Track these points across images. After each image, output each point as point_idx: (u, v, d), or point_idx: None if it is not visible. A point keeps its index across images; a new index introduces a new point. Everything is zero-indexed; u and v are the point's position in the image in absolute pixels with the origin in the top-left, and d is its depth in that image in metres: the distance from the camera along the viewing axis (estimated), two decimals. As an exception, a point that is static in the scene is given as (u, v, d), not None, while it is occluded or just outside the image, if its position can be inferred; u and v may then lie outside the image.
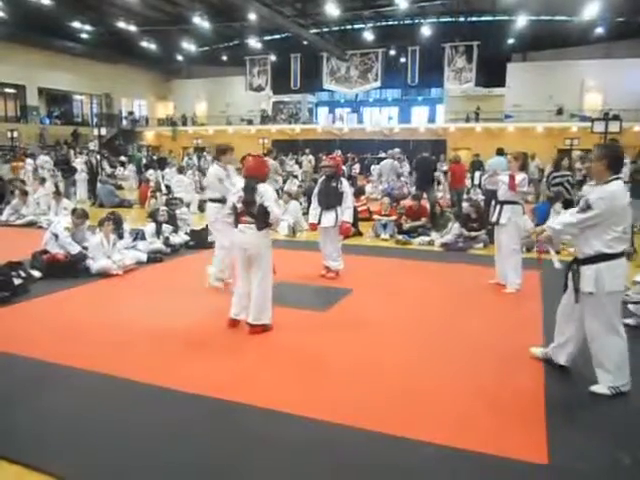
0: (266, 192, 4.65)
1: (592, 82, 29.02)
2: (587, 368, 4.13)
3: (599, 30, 26.57)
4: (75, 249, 7.00)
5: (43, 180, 14.17)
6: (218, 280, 6.30)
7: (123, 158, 25.10)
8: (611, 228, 3.53)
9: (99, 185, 15.77)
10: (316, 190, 7.09)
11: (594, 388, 3.71)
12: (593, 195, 3.59)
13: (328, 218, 6.82)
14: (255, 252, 4.70)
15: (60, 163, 17.40)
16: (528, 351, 4.26)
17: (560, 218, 3.82)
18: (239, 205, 4.73)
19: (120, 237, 7.57)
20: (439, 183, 16.24)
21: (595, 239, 3.58)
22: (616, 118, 15.42)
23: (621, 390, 3.68)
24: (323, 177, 7.10)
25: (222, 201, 6.05)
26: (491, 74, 29.79)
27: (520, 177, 6.18)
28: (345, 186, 6.92)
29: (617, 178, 3.60)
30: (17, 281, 5.91)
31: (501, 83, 30.36)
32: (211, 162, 22.66)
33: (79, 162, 17.05)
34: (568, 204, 9.91)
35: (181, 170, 16.02)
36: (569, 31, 26.54)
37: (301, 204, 11.77)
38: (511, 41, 29.65)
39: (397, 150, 16.88)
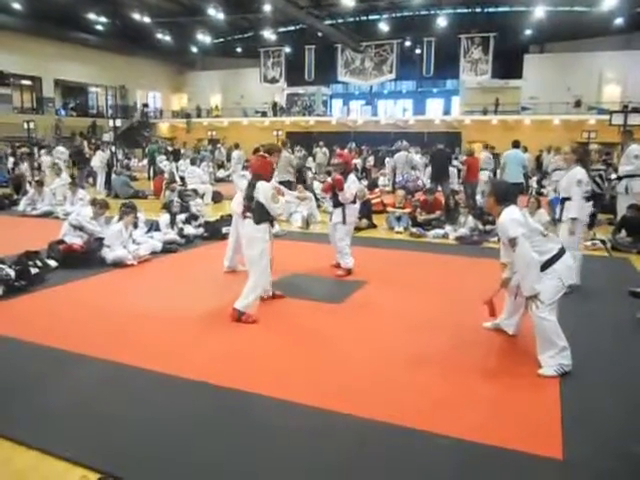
0: (261, 189, 4.84)
1: (611, 74, 28.59)
2: (603, 364, 4.10)
3: (618, 21, 26.11)
4: (102, 233, 7.27)
5: (59, 171, 14.29)
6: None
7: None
8: (532, 240, 3.81)
9: (114, 176, 15.88)
10: None
11: (542, 371, 3.83)
12: (506, 230, 3.84)
13: (336, 214, 6.79)
14: (248, 243, 4.97)
15: (74, 154, 17.54)
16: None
17: (523, 280, 3.85)
18: (244, 201, 5.04)
19: (135, 226, 7.67)
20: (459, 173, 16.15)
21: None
22: (636, 110, 15.13)
23: (565, 370, 3.80)
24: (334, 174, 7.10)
25: None
26: (508, 66, 29.49)
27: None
28: (349, 181, 6.68)
29: (506, 206, 3.94)
30: (34, 270, 5.98)
31: (518, 75, 30.03)
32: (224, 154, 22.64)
33: (97, 158, 17.14)
34: (598, 199, 9.75)
35: (194, 162, 16.07)
36: (587, 22, 26.14)
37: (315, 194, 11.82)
38: (528, 32, 29.31)
39: (399, 143, 16.87)
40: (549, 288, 3.81)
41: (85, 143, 22.63)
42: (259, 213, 4.86)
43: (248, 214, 4.92)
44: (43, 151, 21.18)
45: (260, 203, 4.82)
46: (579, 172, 5.74)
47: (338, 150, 9.34)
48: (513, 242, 3.78)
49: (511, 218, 3.84)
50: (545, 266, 3.82)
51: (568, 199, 5.77)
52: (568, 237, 5.67)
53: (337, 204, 6.79)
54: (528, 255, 3.74)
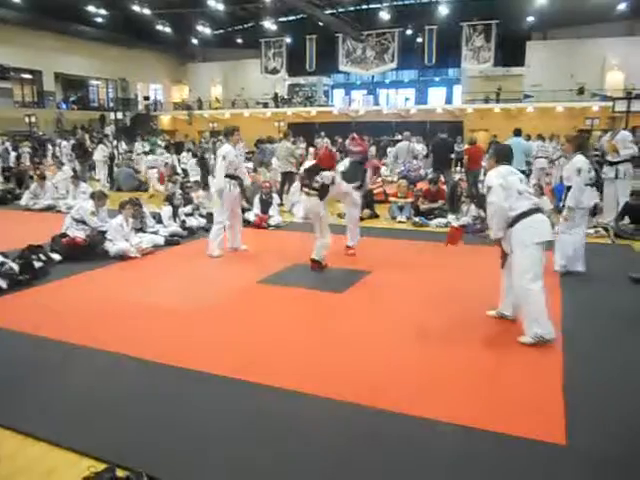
0: (327, 176, 6.34)
1: (614, 60, 28.35)
2: (606, 347, 4.11)
3: (621, 7, 25.87)
4: (104, 226, 7.36)
5: (61, 164, 14.30)
6: (216, 250, 7.07)
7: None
8: (509, 194, 4.15)
9: (116, 169, 15.85)
10: (341, 169, 7.08)
11: (521, 339, 4.12)
12: (487, 180, 4.39)
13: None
14: (317, 213, 6.42)
15: (76, 148, 17.51)
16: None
17: (490, 225, 4.42)
18: (307, 181, 6.42)
19: (142, 223, 7.76)
20: (457, 165, 16.12)
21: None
22: (639, 97, 15.04)
23: (545, 338, 4.04)
24: (351, 160, 7.14)
25: (232, 177, 6.99)
26: (510, 53, 29.31)
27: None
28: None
29: (501, 165, 4.38)
30: (37, 264, 6.01)
31: (520, 62, 29.83)
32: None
33: (98, 152, 17.10)
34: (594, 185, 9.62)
35: (196, 154, 16.10)
36: (590, 8, 25.86)
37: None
38: (531, 19, 29.07)
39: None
40: (525, 258, 4.11)
41: (87, 136, 22.56)
42: (323, 192, 6.35)
43: (312, 191, 6.35)
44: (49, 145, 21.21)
45: (326, 185, 6.32)
46: (579, 160, 5.84)
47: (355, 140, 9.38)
48: (489, 190, 4.23)
49: (495, 172, 4.31)
50: (513, 222, 4.15)
51: (570, 188, 5.86)
52: (563, 223, 5.93)
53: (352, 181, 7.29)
54: (497, 203, 4.16)
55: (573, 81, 28.00)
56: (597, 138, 16.89)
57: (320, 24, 29.28)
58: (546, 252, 4.36)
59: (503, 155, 4.53)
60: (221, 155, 6.96)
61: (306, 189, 6.44)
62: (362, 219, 9.30)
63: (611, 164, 8.69)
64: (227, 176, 6.95)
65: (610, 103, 15.35)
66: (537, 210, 4.21)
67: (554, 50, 29.31)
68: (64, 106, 32.79)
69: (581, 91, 27.96)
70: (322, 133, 22.29)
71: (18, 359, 3.94)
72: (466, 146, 13.57)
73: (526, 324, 4.14)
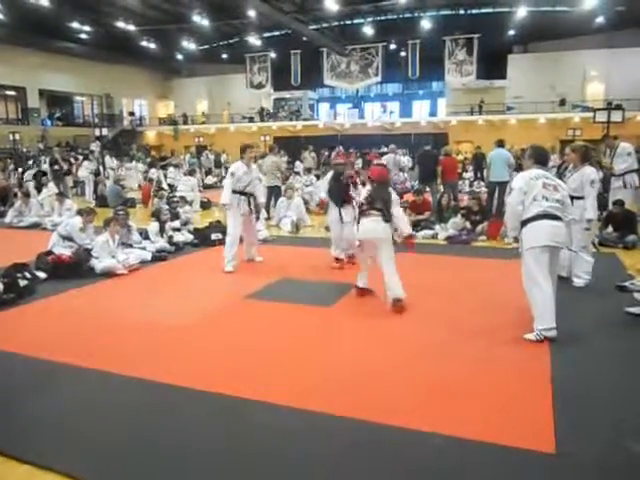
0: (395, 198, 5.64)
1: (594, 72, 28.89)
2: (593, 357, 4.14)
3: (600, 20, 26.40)
4: (90, 244, 7.29)
5: (46, 181, 14.19)
6: (230, 264, 6.99)
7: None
8: (527, 198, 4.39)
9: (109, 185, 15.62)
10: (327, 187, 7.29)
11: (525, 336, 4.36)
12: (514, 180, 4.69)
13: (347, 214, 7.05)
14: (380, 238, 5.35)
15: (53, 165, 17.36)
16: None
17: (507, 223, 4.83)
18: (366, 203, 5.50)
19: (129, 232, 7.72)
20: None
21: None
22: (619, 108, 15.34)
23: (544, 335, 4.27)
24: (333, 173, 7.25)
25: (241, 193, 6.99)
26: (492, 66, 29.79)
27: None
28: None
29: (537, 167, 4.62)
30: (23, 282, 5.94)
31: (502, 75, 30.33)
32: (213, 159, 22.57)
33: (83, 168, 17.00)
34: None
35: (192, 172, 16.18)
36: (570, 21, 26.40)
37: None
38: (512, 33, 29.59)
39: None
40: (527, 261, 4.38)
41: (58, 155, 22.12)
42: (388, 214, 5.44)
43: (375, 212, 5.39)
44: (30, 162, 20.98)
45: (389, 206, 5.49)
46: (592, 172, 5.80)
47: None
48: (511, 191, 4.53)
49: (522, 174, 4.59)
50: (522, 225, 4.43)
51: (577, 198, 5.69)
52: (586, 236, 5.96)
53: (346, 202, 7.08)
54: (513, 204, 4.48)
55: (554, 93, 28.46)
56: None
57: (304, 39, 29.57)
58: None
59: (540, 157, 4.75)
60: (230, 171, 7.07)
61: (368, 209, 5.46)
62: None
63: (617, 175, 8.92)
64: (235, 192, 6.96)
65: (591, 114, 15.59)
66: (545, 216, 4.32)
67: (535, 63, 29.83)
68: (48, 122, 32.62)
69: (562, 102, 28.41)
70: (310, 147, 22.39)
71: (2, 379, 3.88)
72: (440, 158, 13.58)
73: (535, 321, 4.36)
